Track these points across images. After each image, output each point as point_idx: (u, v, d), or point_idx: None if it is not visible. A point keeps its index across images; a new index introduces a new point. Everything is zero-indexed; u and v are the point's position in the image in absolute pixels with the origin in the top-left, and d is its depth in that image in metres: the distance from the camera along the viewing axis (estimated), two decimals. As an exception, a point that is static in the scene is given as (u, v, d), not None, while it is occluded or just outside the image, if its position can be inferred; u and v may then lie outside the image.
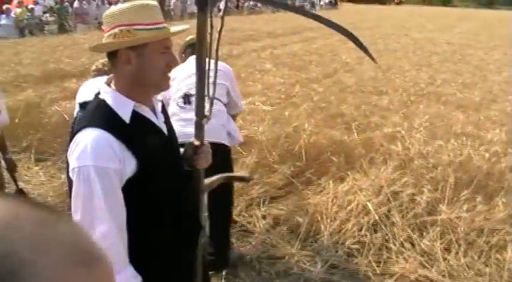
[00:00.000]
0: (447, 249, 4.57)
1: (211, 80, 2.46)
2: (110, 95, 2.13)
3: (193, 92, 3.62)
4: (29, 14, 19.48)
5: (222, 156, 4.13)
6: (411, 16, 39.10)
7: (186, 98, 4.21)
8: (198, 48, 2.33)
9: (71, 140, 2.11)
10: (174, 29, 2.19)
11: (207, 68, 2.37)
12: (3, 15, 18.05)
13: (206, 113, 2.48)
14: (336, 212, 5.01)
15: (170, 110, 4.33)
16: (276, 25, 22.95)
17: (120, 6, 2.13)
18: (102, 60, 4.39)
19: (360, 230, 4.78)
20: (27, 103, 7.89)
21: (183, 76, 4.22)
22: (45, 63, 11.39)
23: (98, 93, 2.19)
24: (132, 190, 2.06)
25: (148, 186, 2.11)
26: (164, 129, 2.29)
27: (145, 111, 2.18)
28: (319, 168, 5.81)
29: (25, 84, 9.45)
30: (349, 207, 5.01)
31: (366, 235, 4.74)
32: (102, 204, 1.97)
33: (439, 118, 7.28)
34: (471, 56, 15.60)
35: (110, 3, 23.80)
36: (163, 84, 2.19)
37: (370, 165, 5.67)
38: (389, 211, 4.97)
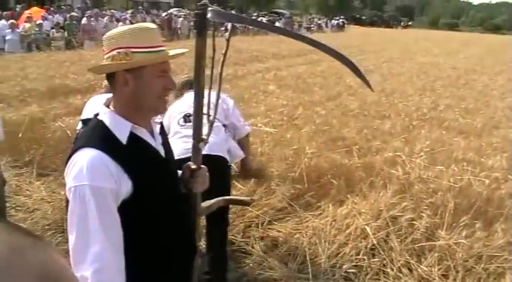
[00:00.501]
0: (445, 275, 4.54)
1: (212, 103, 2.50)
2: (107, 116, 2.16)
3: (191, 111, 3.68)
4: (37, 29, 19.64)
5: (222, 170, 4.17)
6: (417, 40, 39.27)
7: (186, 117, 4.26)
8: (196, 71, 2.36)
9: (68, 159, 2.12)
10: (172, 52, 2.21)
11: (206, 91, 2.41)
12: (9, 30, 18.20)
13: (203, 136, 2.50)
14: (335, 236, 4.99)
15: (172, 130, 4.38)
16: (282, 46, 23.06)
17: (120, 29, 2.18)
18: None
19: (358, 254, 4.77)
20: (31, 118, 7.94)
21: (178, 111, 4.34)
22: (51, 79, 11.48)
23: (97, 114, 2.22)
24: (127, 211, 2.07)
25: (143, 208, 2.12)
26: (162, 151, 2.31)
27: (143, 133, 2.20)
28: (319, 191, 5.81)
29: (30, 99, 9.52)
30: (347, 231, 5.00)
31: (364, 259, 4.72)
32: (97, 225, 1.98)
33: (440, 143, 7.29)
34: (475, 82, 15.64)
35: (118, 21, 24.04)
36: (159, 107, 2.21)
37: (370, 189, 5.67)
38: (387, 236, 4.96)
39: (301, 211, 5.51)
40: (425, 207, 5.24)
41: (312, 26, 44.80)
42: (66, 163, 2.12)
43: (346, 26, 51.37)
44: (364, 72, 2.34)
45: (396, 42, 35.48)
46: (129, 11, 30.74)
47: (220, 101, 2.64)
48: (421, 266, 4.63)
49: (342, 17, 55.58)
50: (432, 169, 6.02)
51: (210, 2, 2.23)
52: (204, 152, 2.59)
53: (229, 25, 2.52)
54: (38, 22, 20.21)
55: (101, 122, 2.16)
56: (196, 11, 2.24)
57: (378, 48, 27.91)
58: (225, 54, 2.39)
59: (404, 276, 4.54)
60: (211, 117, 2.55)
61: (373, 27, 64.37)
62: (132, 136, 2.15)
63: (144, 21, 28.27)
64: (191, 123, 3.99)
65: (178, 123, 4.26)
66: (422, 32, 60.57)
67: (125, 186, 2.05)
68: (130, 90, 2.13)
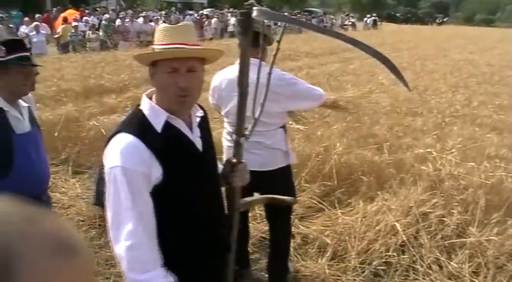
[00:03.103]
0: (475, 273, 4.51)
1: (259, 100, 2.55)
2: (147, 106, 2.25)
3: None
4: (73, 31, 20.00)
5: (283, 178, 4.12)
6: (452, 37, 38.66)
7: None
8: (241, 70, 2.41)
9: (106, 144, 2.23)
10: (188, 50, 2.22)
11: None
12: (34, 33, 18.56)
13: (246, 132, 2.54)
14: (364, 232, 4.99)
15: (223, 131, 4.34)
16: (315, 45, 22.98)
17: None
18: None
19: (388, 250, 4.77)
20: (67, 117, 8.12)
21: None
22: (86, 79, 11.68)
23: (139, 104, 2.31)
24: (159, 199, 2.15)
25: (174, 197, 2.19)
26: (198, 144, 2.34)
27: (179, 124, 2.27)
28: (349, 188, 5.82)
29: (66, 98, 9.74)
30: (377, 227, 5.00)
31: (393, 256, 4.72)
32: (129, 204, 2.07)
33: (472, 140, 7.22)
34: (510, 78, 15.37)
35: (151, 21, 24.29)
36: (172, 103, 2.22)
37: (400, 185, 5.66)
38: (417, 232, 4.96)
39: (332, 208, 5.53)
40: (456, 204, 5.22)
41: (346, 24, 44.49)
42: (105, 146, 2.22)
43: (379, 23, 50.85)
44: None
45: (430, 39, 35.00)
46: (163, 12, 31.03)
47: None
48: (451, 263, 4.61)
49: (375, 14, 55.04)
50: (463, 166, 5.97)
51: (238, 2, 2.27)
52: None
53: (272, 25, 2.55)
54: (73, 24, 20.56)
55: (140, 111, 2.25)
56: (242, 10, 2.27)
57: (411, 46, 27.61)
58: (275, 56, 2.46)
59: (434, 273, 4.53)
60: (256, 115, 2.57)
61: (407, 25, 63.50)
62: (168, 125, 2.22)
63: (178, 21, 28.57)
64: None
65: (229, 124, 4.11)
66: (458, 28, 59.54)
67: (156, 171, 2.11)
68: (153, 83, 2.25)
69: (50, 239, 0.72)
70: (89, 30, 20.83)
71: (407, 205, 5.21)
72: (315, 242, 5.06)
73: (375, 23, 48.61)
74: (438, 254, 4.71)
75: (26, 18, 21.44)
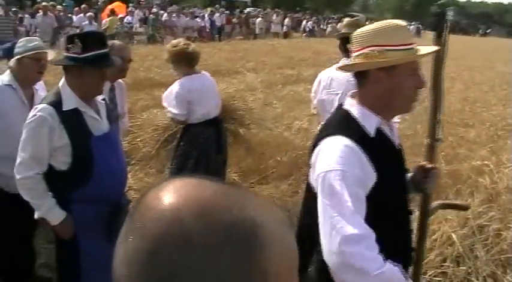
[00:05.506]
0: (532, 288, 4.46)
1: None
2: (355, 108, 2.18)
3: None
4: (118, 23, 20.17)
5: None
6: (496, 49, 38.07)
7: None
8: (435, 73, 2.40)
9: (313, 148, 2.17)
10: (423, 50, 2.19)
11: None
12: (87, 23, 18.73)
13: (439, 135, 2.51)
14: (420, 241, 4.96)
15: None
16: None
17: (372, 26, 2.19)
18: None
19: (444, 261, 4.72)
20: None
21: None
22: (136, 72, 11.77)
23: (341, 105, 2.27)
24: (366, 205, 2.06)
25: (379, 205, 2.07)
26: (398, 151, 2.31)
27: (386, 130, 2.22)
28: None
29: (117, 90, 9.81)
30: (433, 237, 4.96)
31: (449, 266, 4.68)
32: (352, 208, 1.95)
33: (527, 155, 7.11)
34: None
35: (196, 17, 24.52)
36: (408, 106, 2.20)
37: (457, 196, 5.60)
38: (473, 244, 4.90)
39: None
40: (513, 219, 5.15)
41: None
42: (312, 149, 2.16)
43: (422, 31, 50.35)
44: (446, 79, 2.35)
45: (476, 50, 34.57)
46: (208, 9, 31.21)
47: None
48: (507, 277, 4.55)
49: (418, 22, 54.45)
50: (519, 180, 5.89)
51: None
52: None
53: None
54: (119, 16, 20.75)
55: (347, 112, 2.19)
56: (437, 11, 2.26)
57: (457, 56, 27.18)
58: (441, 60, 2.42)
59: (490, 287, 4.49)
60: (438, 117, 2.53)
61: (450, 34, 62.64)
62: (378, 130, 2.16)
63: (221, 19, 28.73)
64: None
65: None
66: (501, 40, 58.56)
67: (370, 178, 2.05)
68: (383, 88, 2.13)
69: (275, 211, 0.78)
70: (137, 23, 21.04)
71: (464, 216, 5.15)
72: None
73: (418, 31, 48.12)
74: (494, 268, 4.65)
75: (77, 8, 21.70)
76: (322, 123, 2.38)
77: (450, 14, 2.18)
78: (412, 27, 48.55)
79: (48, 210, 3.15)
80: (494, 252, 4.80)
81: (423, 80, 2.16)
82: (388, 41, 2.09)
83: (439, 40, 2.33)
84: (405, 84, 2.12)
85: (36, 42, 3.93)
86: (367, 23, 4.94)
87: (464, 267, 4.68)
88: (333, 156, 2.02)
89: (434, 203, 2.78)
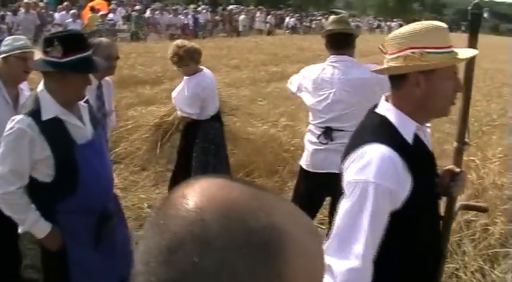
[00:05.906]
0: (519, 283, 4.48)
1: None
2: (392, 113, 2.12)
3: (335, 125, 3.81)
4: (100, 20, 19.94)
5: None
6: (480, 45, 38.31)
7: (328, 132, 4.06)
8: (467, 74, 2.37)
9: (349, 151, 2.10)
10: (462, 54, 2.14)
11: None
12: (71, 20, 18.59)
13: (466, 139, 2.48)
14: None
15: (308, 138, 4.30)
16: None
17: (411, 27, 2.11)
18: None
19: (431, 256, 4.73)
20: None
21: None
22: (120, 69, 11.61)
23: (374, 107, 2.21)
24: (397, 213, 2.02)
25: (412, 211, 2.04)
26: (432, 157, 2.26)
27: (421, 135, 2.16)
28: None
29: (100, 88, 9.75)
30: (420, 233, 4.97)
31: (437, 262, 4.69)
32: (369, 226, 1.93)
33: (512, 150, 7.15)
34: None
35: (179, 14, 24.43)
36: (446, 110, 2.15)
37: (443, 192, 5.61)
38: (461, 240, 4.92)
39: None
40: (499, 214, 5.17)
41: (374, 27, 44.38)
42: (346, 155, 2.10)
43: (405, 29, 50.53)
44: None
45: (457, 47, 34.73)
46: (191, 6, 31.12)
47: None
48: (495, 272, 4.57)
49: (400, 19, 54.73)
50: (506, 175, 5.91)
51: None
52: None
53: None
54: (100, 13, 20.56)
55: (385, 118, 2.12)
56: (472, 10, 2.21)
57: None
58: (473, 63, 2.40)
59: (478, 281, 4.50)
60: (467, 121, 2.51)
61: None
62: (416, 136, 2.10)
63: (205, 16, 28.64)
64: (333, 144, 3.94)
65: (317, 137, 4.09)
66: (484, 37, 58.96)
67: (404, 189, 2.00)
68: (422, 91, 2.06)
69: (303, 218, 0.77)
70: (120, 20, 20.91)
71: (450, 212, 5.16)
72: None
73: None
74: (482, 263, 4.67)
75: (60, 6, 21.51)
76: (356, 129, 2.30)
77: (486, 15, 2.10)
78: (394, 24, 48.78)
79: (32, 224, 2.98)
80: (481, 247, 4.83)
81: (460, 84, 2.14)
82: (428, 43, 2.03)
83: (474, 42, 2.29)
84: (445, 87, 2.07)
85: (23, 41, 3.83)
86: (350, 19, 4.95)
87: (452, 263, 4.70)
88: (370, 166, 1.96)
89: (458, 205, 2.76)
